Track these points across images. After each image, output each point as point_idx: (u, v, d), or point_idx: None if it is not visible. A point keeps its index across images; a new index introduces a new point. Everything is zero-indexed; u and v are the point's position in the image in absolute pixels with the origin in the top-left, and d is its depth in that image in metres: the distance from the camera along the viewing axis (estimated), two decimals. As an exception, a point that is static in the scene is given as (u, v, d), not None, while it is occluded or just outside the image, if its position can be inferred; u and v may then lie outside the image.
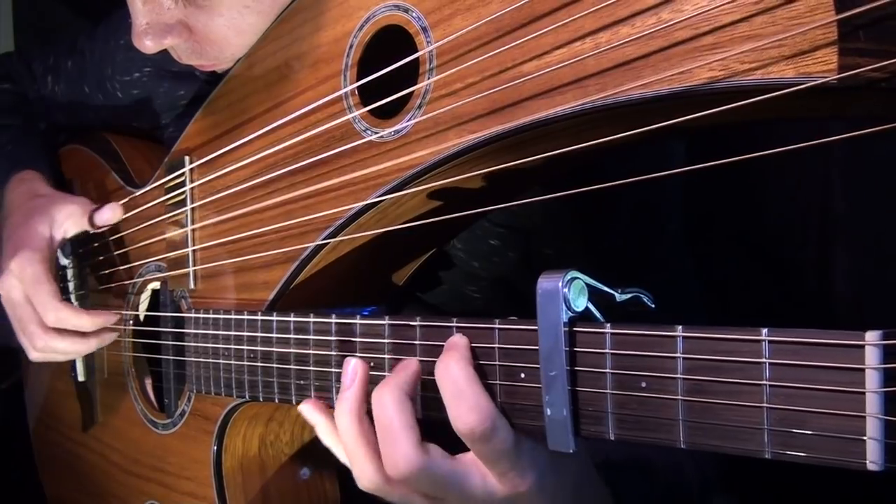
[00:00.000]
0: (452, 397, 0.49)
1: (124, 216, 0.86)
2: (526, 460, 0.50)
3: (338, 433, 0.56)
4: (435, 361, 0.52)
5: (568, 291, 0.46)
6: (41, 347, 0.82)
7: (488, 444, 0.49)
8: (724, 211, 0.99)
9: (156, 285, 0.87)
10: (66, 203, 0.85)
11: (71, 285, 0.97)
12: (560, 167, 0.58)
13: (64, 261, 0.97)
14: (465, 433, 0.49)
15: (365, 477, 0.53)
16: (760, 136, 0.48)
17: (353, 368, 0.55)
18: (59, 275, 0.88)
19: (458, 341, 0.51)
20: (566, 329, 0.45)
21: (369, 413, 0.54)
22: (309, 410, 0.60)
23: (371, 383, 0.55)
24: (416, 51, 0.57)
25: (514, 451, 0.50)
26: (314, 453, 0.80)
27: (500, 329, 0.50)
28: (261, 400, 0.68)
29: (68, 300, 0.84)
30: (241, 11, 0.67)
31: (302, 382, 0.63)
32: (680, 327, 0.42)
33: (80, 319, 0.81)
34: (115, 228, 0.90)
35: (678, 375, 0.41)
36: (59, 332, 0.82)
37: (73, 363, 0.96)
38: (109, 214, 0.83)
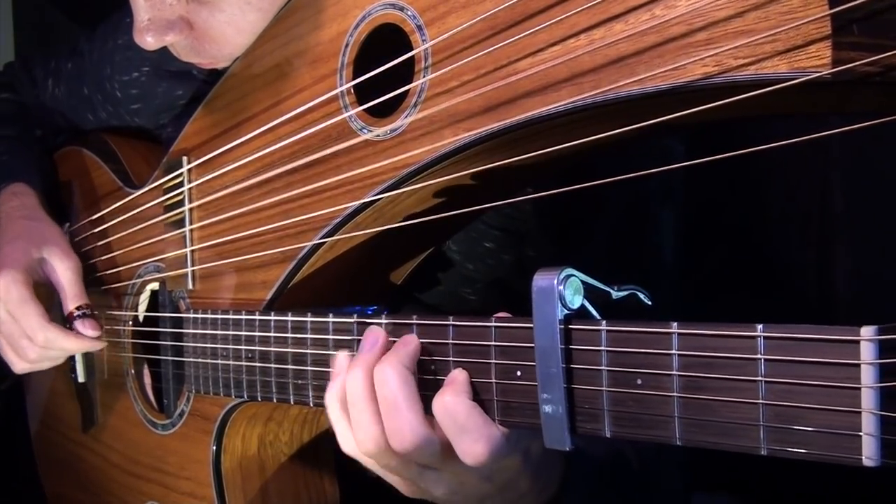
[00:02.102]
0: (455, 433, 0.50)
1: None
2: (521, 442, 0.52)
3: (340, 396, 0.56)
4: (431, 360, 0.52)
5: (563, 289, 0.45)
6: (35, 359, 0.85)
7: (499, 464, 0.51)
8: (723, 211, 0.99)
9: (155, 286, 0.87)
10: (67, 256, 0.87)
11: None
12: (555, 166, 0.57)
13: None
14: (476, 465, 0.50)
15: (368, 440, 0.53)
16: (760, 136, 0.48)
17: (375, 335, 0.55)
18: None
19: (457, 376, 0.51)
20: (562, 327, 0.45)
21: None
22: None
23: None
24: (412, 49, 0.57)
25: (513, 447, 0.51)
26: (313, 453, 0.80)
27: (496, 327, 0.49)
28: (259, 400, 0.68)
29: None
30: (242, 8, 0.68)
31: (300, 382, 0.63)
32: (675, 324, 0.41)
33: (68, 342, 0.85)
34: (114, 229, 0.90)
35: (673, 372, 0.41)
36: None
37: (73, 364, 0.96)
38: (92, 332, 0.86)
